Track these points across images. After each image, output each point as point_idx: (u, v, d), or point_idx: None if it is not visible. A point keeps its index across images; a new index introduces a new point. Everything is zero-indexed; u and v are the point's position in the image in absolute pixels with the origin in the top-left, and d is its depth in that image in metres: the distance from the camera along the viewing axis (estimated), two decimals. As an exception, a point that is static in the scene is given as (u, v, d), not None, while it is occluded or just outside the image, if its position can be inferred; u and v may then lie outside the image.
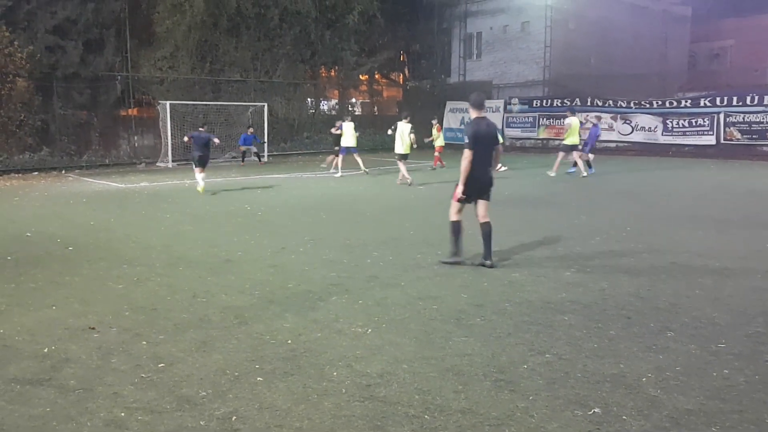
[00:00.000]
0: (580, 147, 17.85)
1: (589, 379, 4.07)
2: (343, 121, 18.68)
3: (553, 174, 17.70)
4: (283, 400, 3.79)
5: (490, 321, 5.27)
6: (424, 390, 3.92)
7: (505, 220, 10.46)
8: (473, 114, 7.20)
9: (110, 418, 3.62)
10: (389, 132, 17.17)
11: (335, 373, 4.18)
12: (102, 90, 24.36)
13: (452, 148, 23.68)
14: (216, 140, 15.20)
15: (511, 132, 30.21)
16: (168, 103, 22.92)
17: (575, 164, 17.80)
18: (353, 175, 18.57)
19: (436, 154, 20.62)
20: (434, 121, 21.44)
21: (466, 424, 3.49)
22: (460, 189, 7.08)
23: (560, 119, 27.05)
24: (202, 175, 14.69)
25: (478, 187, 7.11)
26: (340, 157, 18.69)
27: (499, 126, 30.01)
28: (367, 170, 18.66)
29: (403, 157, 16.10)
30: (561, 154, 18.01)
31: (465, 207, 7.31)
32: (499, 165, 7.05)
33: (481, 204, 7.20)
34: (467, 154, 6.94)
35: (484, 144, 7.02)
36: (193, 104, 24.36)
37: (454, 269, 7.08)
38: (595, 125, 20.08)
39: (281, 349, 4.64)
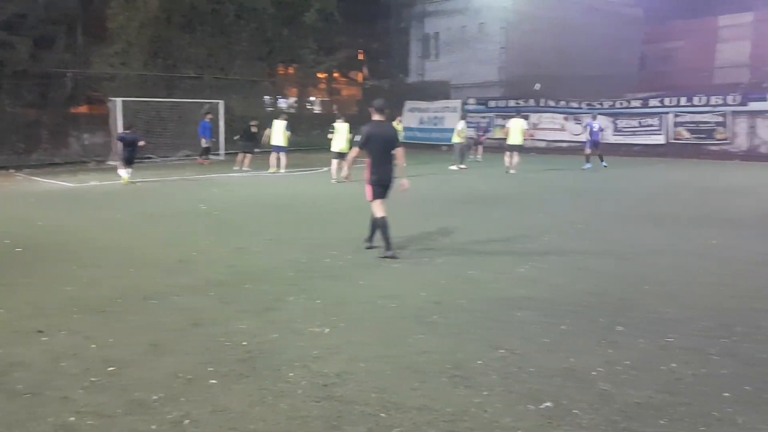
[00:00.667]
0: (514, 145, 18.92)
1: (542, 374, 4.14)
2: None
3: (513, 171, 18.51)
4: (237, 403, 3.75)
5: (447, 318, 5.32)
6: (381, 388, 3.93)
7: (462, 218, 10.57)
8: (374, 117, 7.79)
9: (60, 423, 3.52)
10: (328, 136, 17.82)
11: (292, 374, 4.15)
12: (52, 87, 23.68)
13: (410, 148, 23.73)
14: (142, 143, 16.22)
15: (468, 132, 30.46)
16: (120, 100, 22.38)
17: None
18: (312, 174, 18.50)
19: None
20: (399, 118, 22.38)
21: (421, 421, 3.51)
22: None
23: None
24: (129, 170, 15.85)
25: (382, 185, 7.75)
26: (273, 155, 18.99)
27: (459, 127, 30.32)
28: (282, 171, 18.93)
29: (340, 155, 16.41)
30: (514, 153, 18.79)
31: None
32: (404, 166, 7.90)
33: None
34: (354, 151, 8.08)
35: (379, 145, 7.67)
36: (146, 101, 23.83)
37: (414, 267, 7.12)
38: (588, 123, 20.90)
39: (236, 350, 4.59)
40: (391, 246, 7.59)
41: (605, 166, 19.41)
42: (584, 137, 21.02)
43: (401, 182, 7.87)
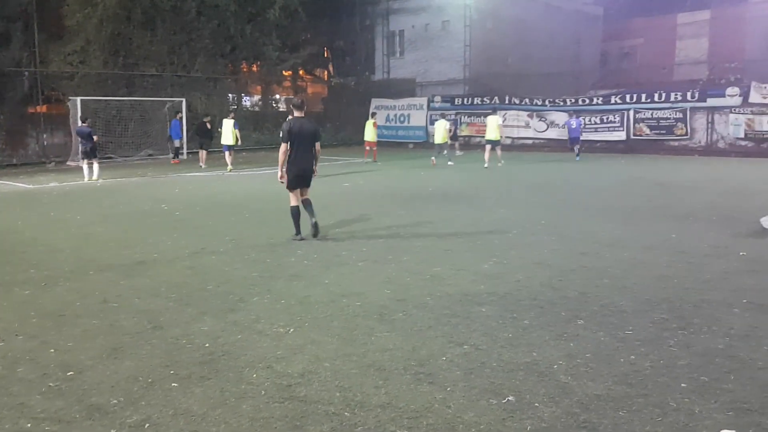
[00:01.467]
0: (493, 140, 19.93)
1: (504, 368, 4.19)
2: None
3: (486, 165, 19.35)
4: (198, 406, 3.70)
5: (411, 315, 5.34)
6: (344, 387, 3.93)
7: (427, 215, 10.62)
8: (295, 113, 8.47)
9: (16, 430, 3.45)
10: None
11: (254, 375, 4.12)
12: (8, 86, 23.07)
13: (378, 145, 23.72)
14: (95, 138, 16.60)
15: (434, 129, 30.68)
16: (79, 99, 21.90)
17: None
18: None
19: (367, 148, 22.42)
20: (374, 121, 23.06)
21: (385, 419, 3.51)
22: (279, 173, 8.51)
23: (481, 117, 28.03)
24: (95, 166, 16.34)
25: (300, 176, 8.48)
26: (226, 154, 19.22)
27: (423, 123, 30.61)
28: (229, 170, 19.08)
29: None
30: (487, 147, 19.81)
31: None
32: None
33: (304, 190, 8.66)
34: (282, 147, 8.30)
35: (299, 140, 8.31)
36: (106, 100, 23.39)
37: (379, 265, 7.13)
38: (566, 122, 23.28)
39: (198, 353, 4.53)
40: (299, 231, 8.56)
41: (578, 160, 21.34)
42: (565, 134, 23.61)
43: (315, 170, 8.73)
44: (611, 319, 5.18)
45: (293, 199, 8.54)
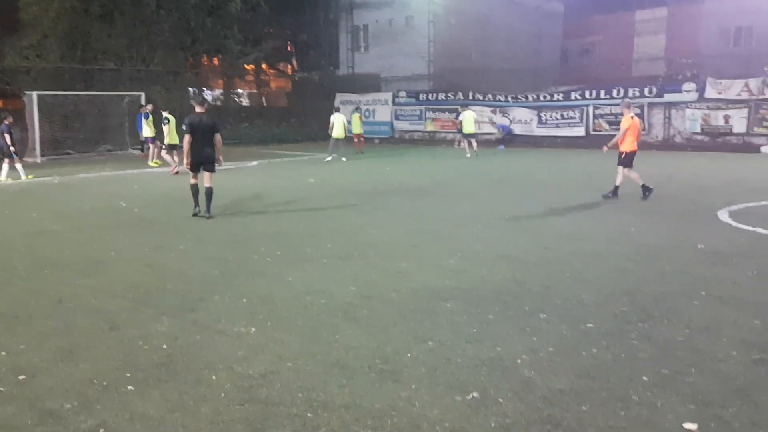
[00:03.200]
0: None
1: (469, 364, 4.17)
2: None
3: (468, 155, 20.79)
4: (156, 409, 3.59)
5: (376, 312, 5.29)
6: (307, 387, 3.85)
7: (393, 209, 10.58)
8: (197, 109, 9.91)
9: (-39, 440, 3.29)
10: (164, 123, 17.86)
11: (214, 377, 4.01)
12: (-40, 81, 22.23)
13: (343, 140, 23.55)
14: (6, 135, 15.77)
15: (399, 125, 30.73)
16: (35, 93, 21.26)
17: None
18: (241, 169, 18.12)
19: (355, 140, 23.35)
20: (357, 112, 24.40)
21: (349, 419, 3.46)
22: (185, 161, 9.93)
23: (446, 112, 28.29)
24: (19, 165, 15.77)
25: (199, 161, 9.89)
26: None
27: (389, 118, 30.60)
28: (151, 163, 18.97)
29: (173, 147, 17.22)
30: (469, 141, 21.41)
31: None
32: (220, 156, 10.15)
33: (206, 174, 10.00)
34: (187, 138, 9.68)
35: (199, 132, 9.74)
36: (63, 94, 22.74)
37: (344, 261, 7.06)
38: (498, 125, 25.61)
39: (155, 354, 4.40)
40: (198, 205, 10.07)
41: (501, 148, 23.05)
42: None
43: (218, 158, 10.09)
44: (573, 312, 5.21)
45: (192, 179, 10.16)
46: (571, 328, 4.83)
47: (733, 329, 4.78)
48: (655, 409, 3.55)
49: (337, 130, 20.72)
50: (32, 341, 4.67)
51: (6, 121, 15.80)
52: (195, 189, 10.13)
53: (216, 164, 10.08)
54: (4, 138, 15.52)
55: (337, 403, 3.65)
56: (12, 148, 15.60)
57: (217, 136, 9.97)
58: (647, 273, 6.44)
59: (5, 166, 15.75)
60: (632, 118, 11.59)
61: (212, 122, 10.03)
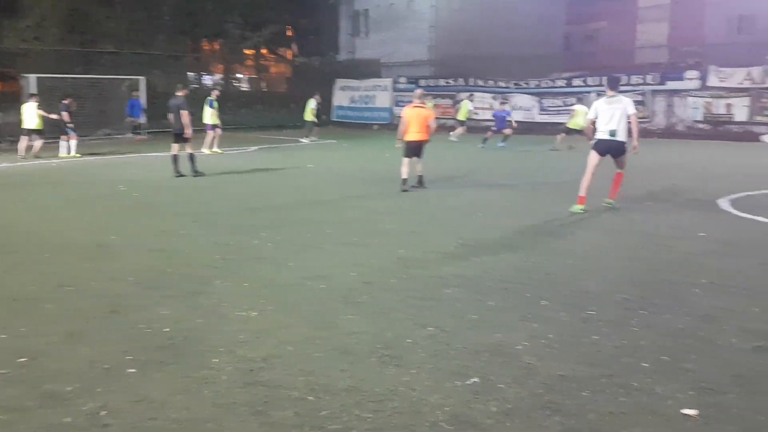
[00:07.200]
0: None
1: (469, 350, 4.17)
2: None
3: (455, 139, 21.75)
4: (158, 392, 3.60)
5: (377, 297, 5.29)
6: (309, 371, 3.86)
7: (393, 196, 10.56)
8: (179, 93, 12.92)
9: (-37, 421, 3.29)
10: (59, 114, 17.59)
11: (216, 360, 4.02)
12: (-42, 63, 22.13)
13: (343, 126, 23.63)
14: None
15: (399, 111, 30.54)
16: (34, 76, 21.17)
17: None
18: (240, 154, 18.09)
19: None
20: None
21: (350, 403, 3.47)
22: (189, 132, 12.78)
23: (446, 98, 28.13)
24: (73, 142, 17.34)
25: (176, 134, 12.83)
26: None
27: (388, 105, 30.45)
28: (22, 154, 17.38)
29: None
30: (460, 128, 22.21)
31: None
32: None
33: (187, 144, 12.85)
34: (185, 113, 12.65)
35: (174, 112, 12.82)
36: (62, 78, 22.61)
37: (345, 247, 7.06)
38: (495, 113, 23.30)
39: (158, 338, 4.41)
40: (177, 171, 12.87)
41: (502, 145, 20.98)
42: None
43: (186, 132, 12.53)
44: (575, 299, 5.21)
45: (172, 151, 13.05)
46: (572, 316, 4.83)
47: (734, 317, 4.78)
48: (655, 395, 3.56)
49: (307, 113, 21.99)
50: (34, 324, 4.67)
51: (65, 101, 17.48)
52: (175, 158, 12.92)
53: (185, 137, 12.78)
54: (61, 116, 17.12)
55: (338, 386, 3.66)
56: (69, 125, 17.26)
57: (184, 113, 12.67)
58: (649, 261, 6.44)
59: (63, 142, 17.48)
60: (415, 107, 11.17)
61: (180, 104, 12.84)
